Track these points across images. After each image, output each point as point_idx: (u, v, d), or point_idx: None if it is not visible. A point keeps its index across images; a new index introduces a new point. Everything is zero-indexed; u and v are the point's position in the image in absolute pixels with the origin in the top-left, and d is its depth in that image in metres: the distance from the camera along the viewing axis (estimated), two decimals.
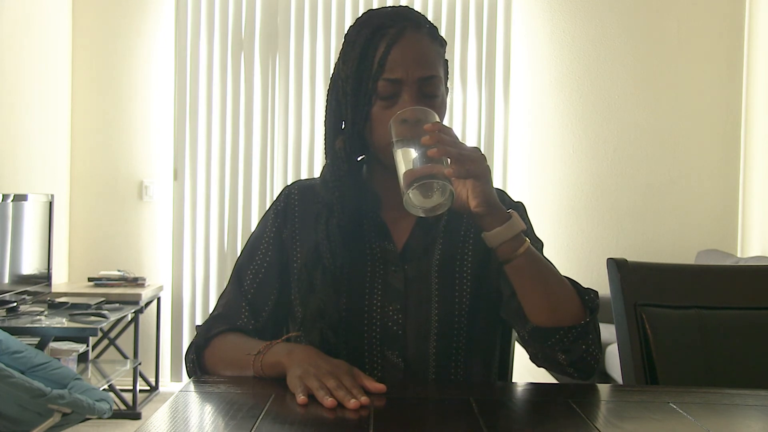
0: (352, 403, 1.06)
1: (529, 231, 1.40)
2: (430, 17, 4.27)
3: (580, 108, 4.47)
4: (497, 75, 4.42)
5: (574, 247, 4.45)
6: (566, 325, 1.23)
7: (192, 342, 1.36)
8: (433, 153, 1.12)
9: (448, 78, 1.36)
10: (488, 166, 1.17)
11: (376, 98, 1.27)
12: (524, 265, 1.21)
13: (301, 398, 1.08)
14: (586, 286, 1.30)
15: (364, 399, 1.08)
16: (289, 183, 1.53)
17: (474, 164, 1.14)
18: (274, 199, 1.44)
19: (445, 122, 1.25)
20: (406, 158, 1.15)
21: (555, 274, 1.26)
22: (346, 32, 1.35)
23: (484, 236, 1.20)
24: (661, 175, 4.47)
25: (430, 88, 1.28)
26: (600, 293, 1.32)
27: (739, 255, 4.38)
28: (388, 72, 1.26)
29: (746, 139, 4.43)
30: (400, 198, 1.15)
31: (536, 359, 1.30)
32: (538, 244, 1.38)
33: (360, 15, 1.36)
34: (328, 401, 1.07)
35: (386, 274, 1.33)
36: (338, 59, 1.35)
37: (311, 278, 1.30)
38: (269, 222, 1.41)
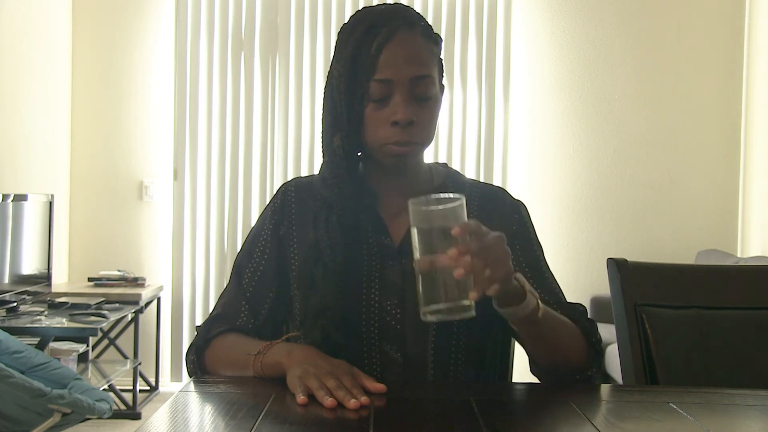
0: (352, 403, 1.06)
1: (531, 235, 1.40)
2: (430, 17, 4.28)
3: (580, 108, 4.47)
4: (497, 75, 4.42)
5: (574, 247, 4.45)
6: (568, 372, 1.28)
7: (192, 343, 1.36)
8: (460, 275, 1.04)
9: (443, 75, 1.35)
10: (511, 266, 1.11)
11: (369, 100, 1.27)
12: (534, 331, 1.23)
13: (301, 398, 1.08)
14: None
15: (364, 399, 1.08)
16: None
17: (496, 269, 1.07)
18: (272, 196, 1.44)
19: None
20: (428, 261, 1.06)
21: (564, 332, 1.27)
22: (340, 29, 1.34)
23: (496, 307, 1.18)
24: (661, 175, 4.47)
25: (422, 89, 1.27)
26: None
27: (739, 255, 4.37)
28: (379, 73, 1.25)
29: (746, 139, 4.42)
30: (397, 194, 1.13)
31: (533, 372, 1.34)
32: (538, 249, 1.39)
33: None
34: (328, 401, 1.07)
35: (383, 269, 1.33)
36: (333, 56, 1.35)
37: (312, 275, 1.29)
38: (267, 219, 1.41)
